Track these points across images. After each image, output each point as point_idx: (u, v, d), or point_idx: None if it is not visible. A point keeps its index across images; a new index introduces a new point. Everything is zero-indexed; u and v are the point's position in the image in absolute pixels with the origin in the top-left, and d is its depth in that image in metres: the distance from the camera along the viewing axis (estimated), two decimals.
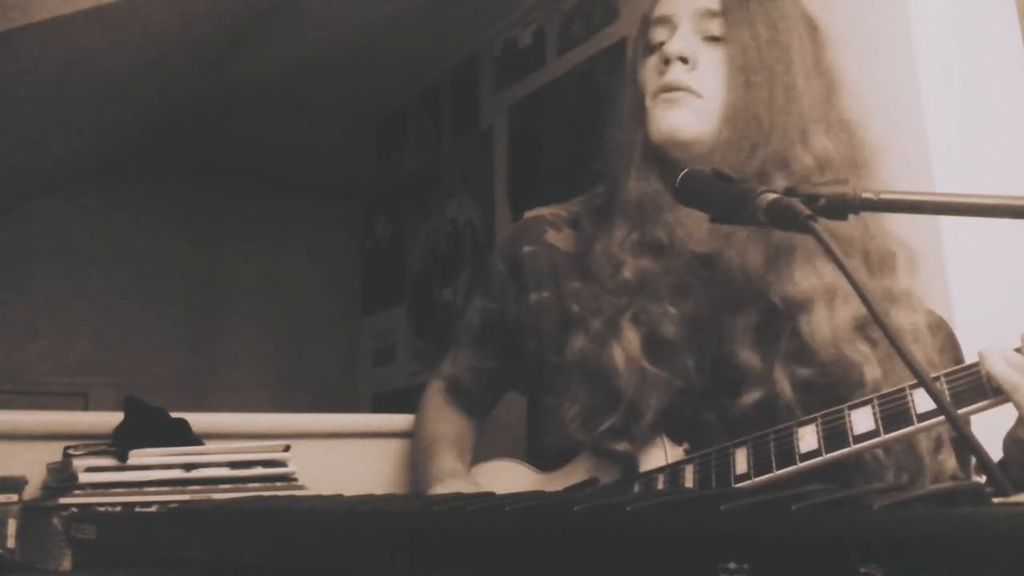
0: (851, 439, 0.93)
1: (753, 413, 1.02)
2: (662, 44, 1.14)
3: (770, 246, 1.04)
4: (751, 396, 1.02)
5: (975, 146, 1.64)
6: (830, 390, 1.00)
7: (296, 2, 3.16)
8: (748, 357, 1.03)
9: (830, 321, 1.01)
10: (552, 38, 3.13)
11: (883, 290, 1.04)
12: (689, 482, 1.01)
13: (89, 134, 4.02)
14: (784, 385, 1.00)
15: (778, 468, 0.96)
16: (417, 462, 1.39)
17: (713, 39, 1.13)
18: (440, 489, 1.17)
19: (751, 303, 1.04)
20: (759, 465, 0.97)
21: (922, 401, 0.91)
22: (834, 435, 0.94)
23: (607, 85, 2.75)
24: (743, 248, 1.05)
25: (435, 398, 1.40)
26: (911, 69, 1.64)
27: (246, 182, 5.01)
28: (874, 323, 1.02)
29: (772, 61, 1.10)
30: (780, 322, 1.03)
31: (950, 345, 1.14)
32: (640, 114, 1.14)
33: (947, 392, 0.90)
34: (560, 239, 1.24)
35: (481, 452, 1.38)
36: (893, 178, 1.09)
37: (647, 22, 1.19)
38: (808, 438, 0.96)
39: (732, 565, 0.36)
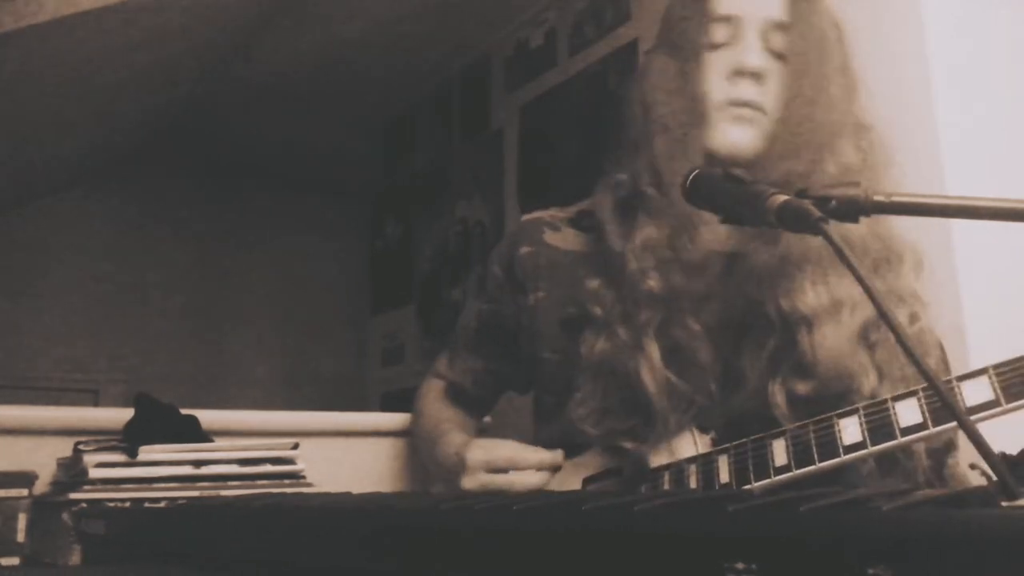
0: (898, 431, 0.93)
1: (750, 422, 1.02)
2: (723, 45, 1.11)
3: (783, 257, 1.04)
4: (747, 406, 1.03)
5: (987, 148, 1.64)
6: (826, 403, 1.00)
7: (307, 3, 3.17)
8: (749, 369, 1.04)
9: (836, 334, 1.02)
10: (564, 39, 3.13)
11: (888, 291, 1.04)
12: (724, 474, 1.00)
13: (98, 133, 4.04)
14: (779, 399, 1.02)
15: (820, 460, 0.95)
16: (421, 452, 1.39)
17: (777, 55, 1.11)
18: (474, 452, 1.14)
19: (761, 315, 1.05)
20: (800, 457, 0.96)
21: (970, 395, 0.91)
22: (880, 427, 0.94)
23: (619, 85, 2.75)
24: (756, 258, 1.05)
25: (432, 396, 1.41)
26: (923, 70, 1.64)
27: (256, 182, 5.03)
28: (875, 328, 1.03)
29: (819, 79, 1.10)
30: (784, 335, 1.04)
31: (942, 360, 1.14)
32: (697, 117, 1.10)
33: (997, 386, 0.91)
34: (559, 239, 1.25)
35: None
36: (903, 179, 1.09)
37: (703, 12, 1.12)
38: (851, 430, 0.95)
39: (740, 565, 0.36)
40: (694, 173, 0.96)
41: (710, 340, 1.05)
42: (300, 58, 3.68)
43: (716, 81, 1.10)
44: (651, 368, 1.03)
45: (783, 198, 0.85)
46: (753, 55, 1.09)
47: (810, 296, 1.02)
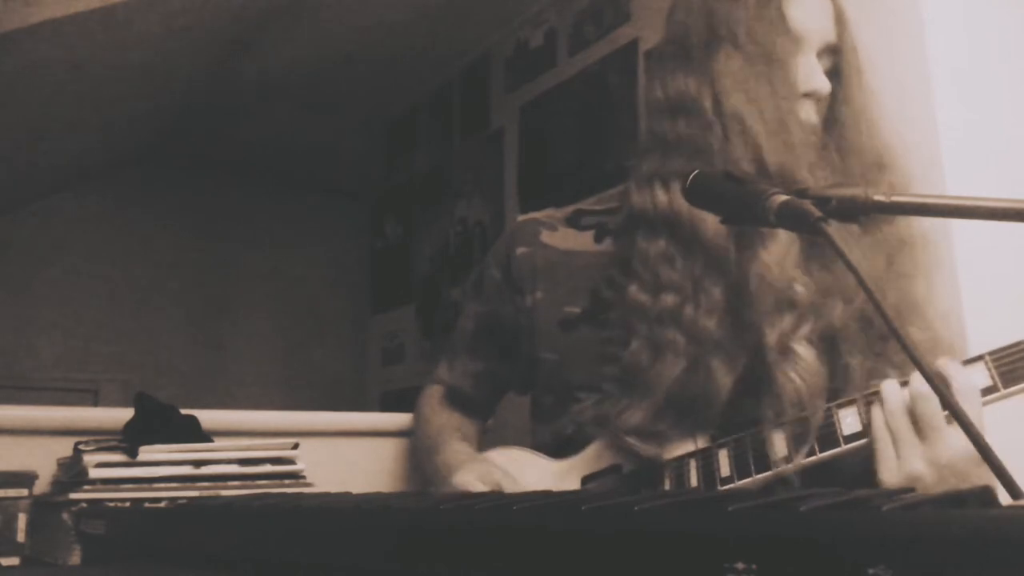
0: None
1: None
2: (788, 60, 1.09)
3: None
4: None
5: (987, 148, 1.64)
6: None
7: (308, 3, 3.16)
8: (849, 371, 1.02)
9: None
10: (563, 39, 3.13)
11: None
12: (725, 467, 1.00)
13: (99, 132, 4.04)
14: None
15: (821, 451, 0.96)
16: (422, 459, 1.39)
17: (826, 72, 1.11)
18: (466, 472, 1.11)
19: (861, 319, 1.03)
20: (800, 448, 0.96)
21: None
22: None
23: (619, 85, 2.75)
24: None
25: (433, 402, 1.40)
26: (923, 70, 1.64)
27: (257, 181, 5.03)
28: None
29: (862, 103, 1.10)
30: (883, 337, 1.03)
31: None
32: (790, 128, 1.06)
33: (995, 373, 0.92)
34: (557, 238, 1.24)
35: (488, 441, 1.38)
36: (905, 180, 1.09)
37: (782, 23, 1.09)
38: (850, 420, 0.96)
39: (740, 565, 0.36)
40: (695, 173, 0.96)
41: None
42: (300, 58, 3.68)
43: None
44: (807, 374, 0.98)
45: (783, 198, 0.85)
46: (821, 79, 1.09)
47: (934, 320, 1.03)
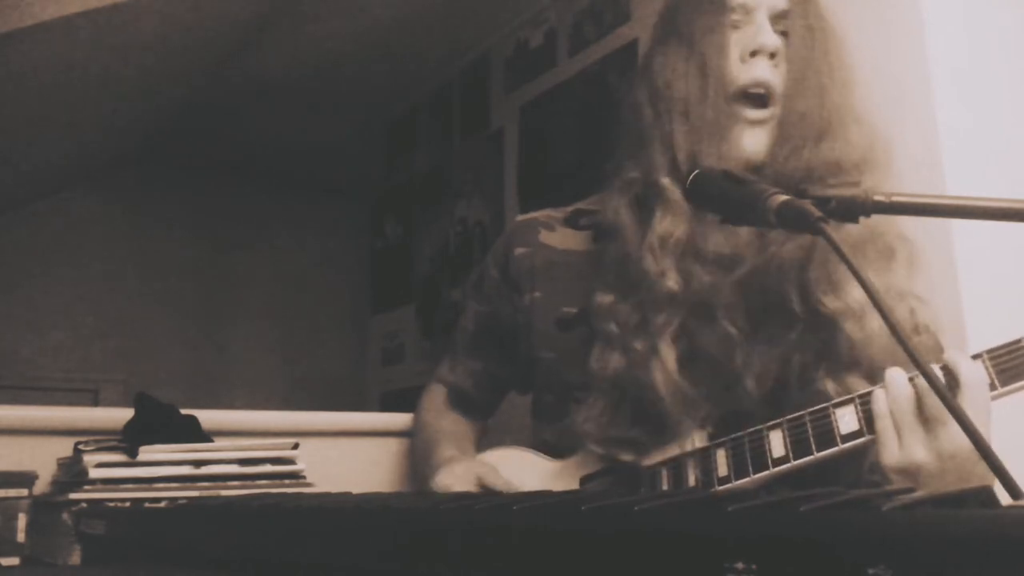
0: None
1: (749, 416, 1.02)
2: (736, 30, 1.11)
3: (809, 248, 1.02)
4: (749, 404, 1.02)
5: (987, 148, 1.64)
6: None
7: (307, 3, 3.17)
8: (762, 366, 1.02)
9: (880, 325, 1.01)
10: (563, 39, 3.13)
11: (887, 288, 1.04)
12: (722, 467, 1.00)
13: (99, 132, 4.04)
14: (831, 394, 1.00)
15: (818, 450, 0.95)
16: (418, 462, 1.39)
17: (781, 33, 1.12)
18: (443, 476, 1.15)
19: (781, 310, 1.03)
20: (797, 448, 0.97)
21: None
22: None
23: (618, 84, 2.75)
24: (783, 251, 1.03)
25: (434, 402, 1.41)
26: (923, 71, 1.64)
27: (257, 181, 5.03)
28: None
29: (820, 67, 1.10)
30: (816, 329, 1.02)
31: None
32: (718, 98, 1.09)
33: (993, 371, 0.92)
34: (555, 238, 1.25)
35: (488, 441, 1.38)
36: (903, 179, 1.09)
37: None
38: (848, 419, 0.95)
39: (740, 565, 0.36)
40: (695, 173, 0.96)
41: (737, 342, 1.02)
42: (300, 58, 3.68)
43: (734, 64, 1.10)
44: (665, 375, 1.01)
45: (783, 198, 0.85)
46: (769, 35, 1.10)
47: (857, 290, 1.00)
